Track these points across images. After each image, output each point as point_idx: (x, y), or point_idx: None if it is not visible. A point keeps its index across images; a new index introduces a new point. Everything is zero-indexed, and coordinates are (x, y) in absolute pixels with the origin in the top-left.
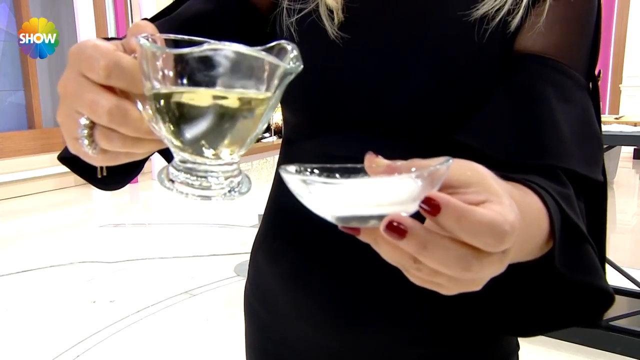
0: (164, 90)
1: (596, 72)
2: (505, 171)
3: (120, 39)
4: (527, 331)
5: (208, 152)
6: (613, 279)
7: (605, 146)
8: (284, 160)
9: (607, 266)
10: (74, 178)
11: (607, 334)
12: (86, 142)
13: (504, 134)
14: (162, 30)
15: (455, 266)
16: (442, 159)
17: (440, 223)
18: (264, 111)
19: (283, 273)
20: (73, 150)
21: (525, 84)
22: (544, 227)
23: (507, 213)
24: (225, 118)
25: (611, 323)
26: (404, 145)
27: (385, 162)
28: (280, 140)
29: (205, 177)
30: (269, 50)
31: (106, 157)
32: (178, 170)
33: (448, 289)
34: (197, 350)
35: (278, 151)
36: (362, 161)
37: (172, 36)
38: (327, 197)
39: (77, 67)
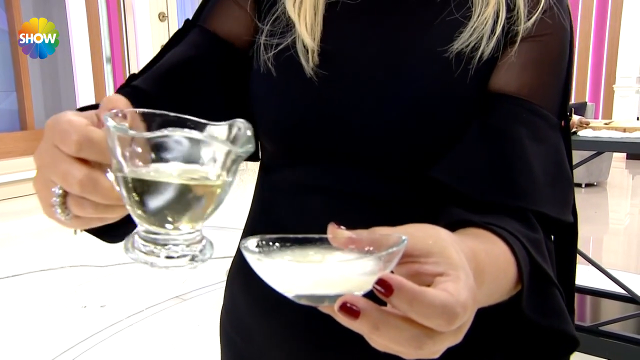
0: (125, 170)
1: (567, 111)
2: (477, 210)
3: (96, 106)
4: None
5: (168, 226)
6: (602, 283)
7: (594, 152)
8: (260, 186)
9: (597, 271)
10: None
11: (597, 339)
12: (59, 210)
13: (477, 174)
14: (148, 83)
15: (408, 345)
16: (398, 237)
17: (393, 304)
18: (220, 190)
19: (258, 303)
20: (47, 215)
21: (499, 125)
22: (510, 274)
23: (459, 293)
24: (182, 198)
25: (600, 328)
26: (380, 177)
27: (347, 234)
28: None
29: (168, 247)
30: (226, 129)
31: (79, 222)
32: (142, 239)
33: (407, 357)
34: (188, 355)
35: None
36: (335, 193)
37: (144, 110)
38: (282, 277)
39: (52, 140)
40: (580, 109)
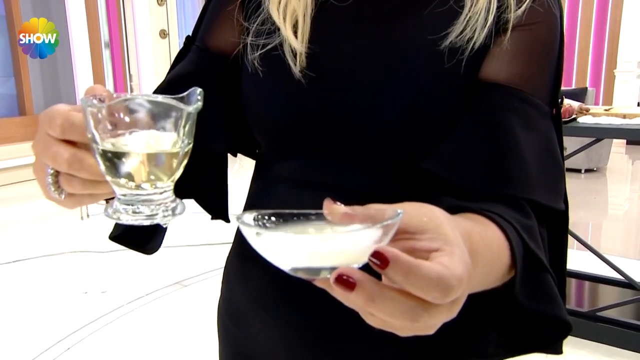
0: (98, 140)
1: (558, 99)
2: (471, 200)
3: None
4: (488, 355)
5: (139, 185)
6: (600, 269)
7: (594, 139)
8: (255, 180)
9: (595, 257)
10: None
11: (595, 324)
12: (52, 188)
13: (469, 164)
14: None
15: (404, 318)
16: (393, 211)
17: (388, 276)
18: (179, 150)
19: (253, 294)
20: (47, 198)
21: (491, 114)
22: (504, 259)
23: (454, 266)
24: (147, 160)
25: (598, 314)
26: (372, 172)
27: (343, 209)
28: None
29: (142, 206)
30: (184, 97)
31: (73, 200)
32: (120, 203)
33: (402, 333)
34: (189, 341)
35: None
36: (327, 188)
37: (121, 95)
38: (279, 249)
39: (44, 128)
40: (581, 94)
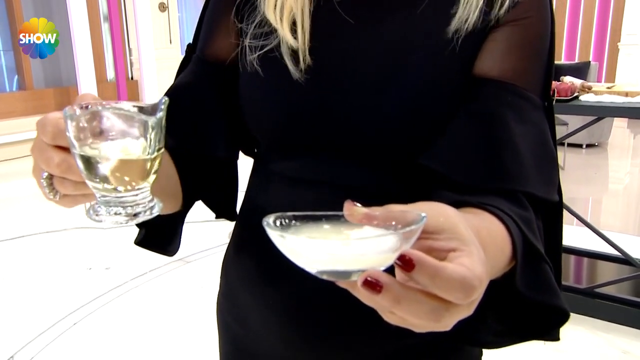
0: (76, 146)
1: (550, 91)
2: (469, 194)
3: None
4: (489, 343)
5: (115, 188)
6: (599, 245)
7: (595, 117)
8: (254, 176)
9: (593, 233)
10: None
11: (593, 300)
12: (47, 190)
13: (466, 159)
14: None
15: (427, 318)
16: (416, 214)
17: (414, 279)
18: (148, 155)
19: (253, 291)
20: (45, 198)
21: (485, 109)
22: (506, 252)
23: (475, 267)
24: (119, 165)
25: (596, 290)
26: (371, 170)
27: (363, 210)
28: None
29: (121, 207)
30: (151, 107)
31: (68, 200)
32: (100, 205)
33: (420, 330)
34: (192, 317)
35: None
36: (326, 186)
37: (106, 103)
38: (307, 253)
39: (39, 134)
40: (584, 68)
